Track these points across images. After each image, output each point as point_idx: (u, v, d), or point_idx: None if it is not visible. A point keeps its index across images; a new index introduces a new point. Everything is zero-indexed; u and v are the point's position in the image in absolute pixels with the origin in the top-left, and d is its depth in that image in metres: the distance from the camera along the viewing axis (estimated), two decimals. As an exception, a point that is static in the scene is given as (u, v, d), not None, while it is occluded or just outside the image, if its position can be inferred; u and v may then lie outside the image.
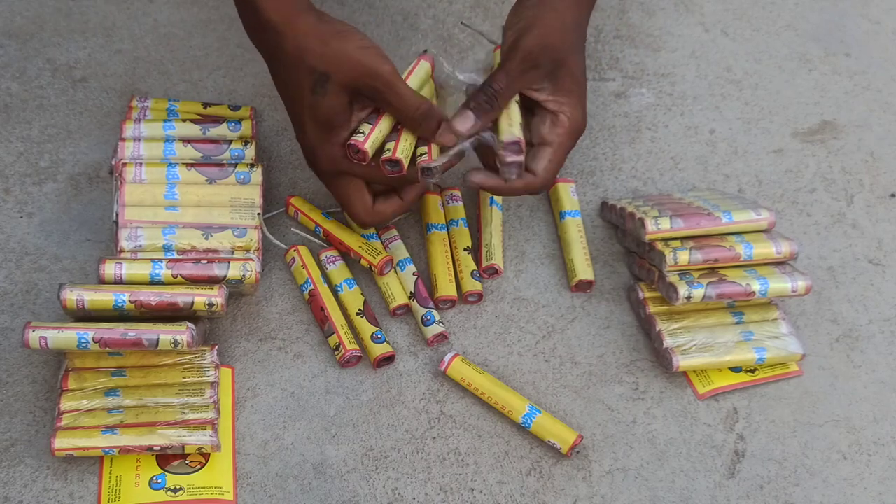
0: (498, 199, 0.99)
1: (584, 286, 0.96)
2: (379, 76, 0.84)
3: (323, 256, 0.94)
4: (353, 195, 0.90)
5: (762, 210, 0.93)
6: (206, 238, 0.91)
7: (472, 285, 0.94)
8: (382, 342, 0.90)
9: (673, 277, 0.91)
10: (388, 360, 0.91)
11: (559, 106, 0.89)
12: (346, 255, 0.94)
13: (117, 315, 0.85)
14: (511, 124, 0.88)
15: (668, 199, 0.98)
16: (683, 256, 0.90)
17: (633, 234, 0.94)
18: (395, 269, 0.94)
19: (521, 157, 0.87)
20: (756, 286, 0.91)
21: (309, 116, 0.86)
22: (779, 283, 0.91)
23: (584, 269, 0.96)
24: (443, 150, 0.88)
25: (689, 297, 0.90)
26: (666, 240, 0.92)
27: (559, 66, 0.89)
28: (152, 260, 0.87)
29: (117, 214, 0.91)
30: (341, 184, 0.89)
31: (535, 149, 0.90)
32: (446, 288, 0.93)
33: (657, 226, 0.91)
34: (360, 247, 0.93)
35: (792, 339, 0.93)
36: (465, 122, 0.87)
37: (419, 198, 0.93)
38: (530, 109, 0.91)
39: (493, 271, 0.96)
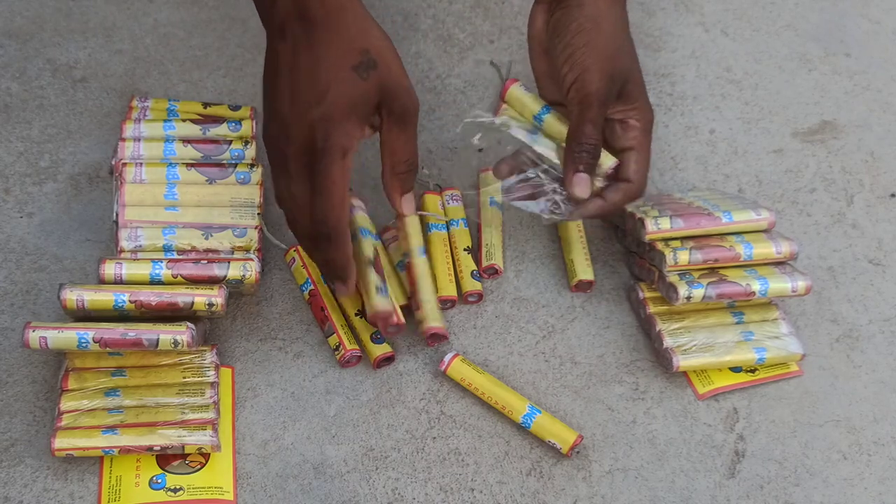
0: (498, 199, 0.98)
1: (584, 286, 0.96)
2: (414, 103, 0.83)
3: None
4: (341, 186, 0.81)
5: (762, 210, 0.93)
6: (206, 238, 0.91)
7: (471, 285, 0.94)
8: (382, 342, 0.90)
9: (673, 277, 0.91)
10: (388, 360, 0.91)
11: (625, 114, 0.89)
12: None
13: (117, 315, 0.85)
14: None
15: (668, 199, 0.98)
16: (683, 256, 0.90)
17: (633, 234, 0.94)
18: (394, 269, 0.94)
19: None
20: (756, 286, 0.91)
21: (336, 86, 0.79)
22: (779, 284, 0.91)
23: (584, 269, 0.96)
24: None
25: (689, 298, 0.90)
26: (666, 240, 0.92)
27: (625, 84, 0.88)
28: (152, 260, 0.87)
29: (117, 214, 0.91)
30: (335, 165, 0.80)
31: (619, 156, 0.90)
32: (446, 288, 0.93)
33: (657, 226, 0.91)
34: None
35: (792, 339, 0.93)
36: (585, 187, 0.87)
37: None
38: None
39: (494, 271, 0.96)
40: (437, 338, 0.91)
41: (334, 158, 0.80)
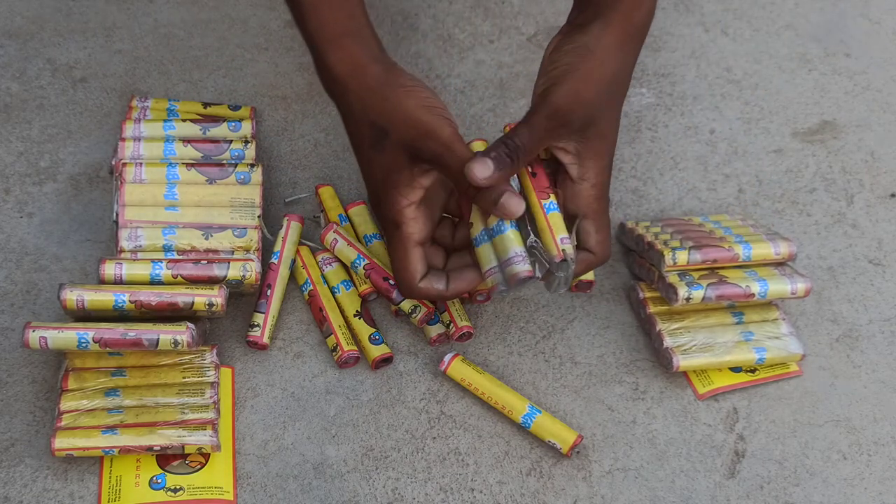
0: None
1: (584, 286, 0.96)
2: (437, 137, 0.80)
3: (319, 258, 0.94)
4: (404, 258, 0.84)
5: (781, 243, 0.93)
6: (206, 238, 0.91)
7: (481, 285, 0.94)
8: (380, 343, 0.90)
9: (672, 278, 0.91)
10: (387, 361, 0.91)
11: (583, 172, 0.83)
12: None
13: (117, 315, 0.85)
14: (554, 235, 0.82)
15: (687, 227, 0.96)
16: (682, 257, 0.90)
17: (648, 261, 0.94)
18: None
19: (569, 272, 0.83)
20: (756, 288, 0.91)
21: (367, 170, 0.85)
22: (778, 285, 0.91)
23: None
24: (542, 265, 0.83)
25: (688, 299, 0.90)
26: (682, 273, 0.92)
27: (589, 124, 0.82)
28: (152, 260, 0.87)
29: (117, 214, 0.91)
30: (395, 238, 0.84)
31: (578, 222, 0.85)
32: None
33: (674, 259, 0.91)
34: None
35: (792, 339, 0.93)
36: (484, 170, 0.79)
37: (466, 291, 0.87)
38: (555, 171, 0.85)
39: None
40: (466, 336, 0.92)
41: (390, 232, 0.85)
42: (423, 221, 0.84)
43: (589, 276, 0.96)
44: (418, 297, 0.86)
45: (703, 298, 0.90)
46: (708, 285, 0.90)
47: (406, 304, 0.91)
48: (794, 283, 0.92)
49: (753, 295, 0.91)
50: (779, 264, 0.93)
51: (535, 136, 0.82)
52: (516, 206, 0.80)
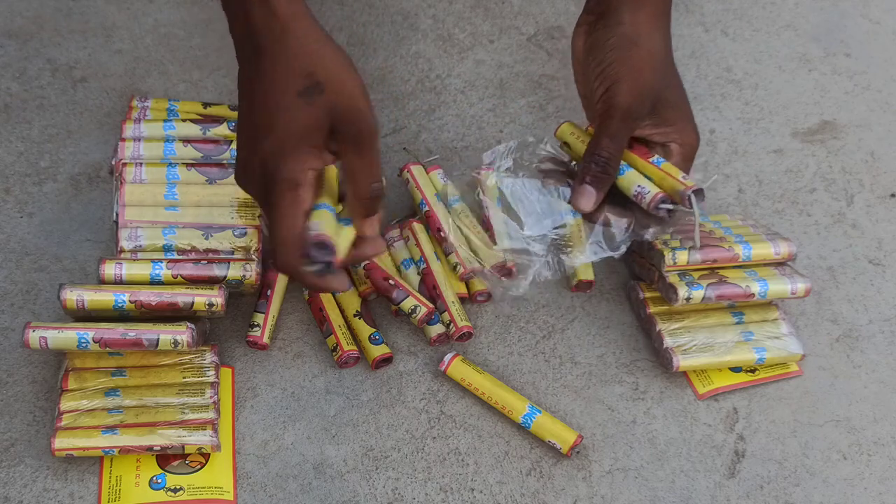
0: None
1: (584, 286, 0.96)
2: (369, 125, 0.76)
3: None
4: (293, 224, 0.76)
5: (781, 243, 0.93)
6: (206, 238, 0.91)
7: (481, 284, 0.94)
8: (380, 343, 0.90)
9: (673, 278, 0.91)
10: (386, 361, 0.91)
11: (666, 136, 0.87)
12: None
13: (117, 315, 0.85)
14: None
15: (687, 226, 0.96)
16: (682, 257, 0.90)
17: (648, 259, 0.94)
18: (399, 268, 0.94)
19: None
20: (756, 288, 0.91)
21: (281, 116, 0.76)
22: (778, 285, 0.91)
23: (584, 269, 0.96)
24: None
25: (688, 299, 0.90)
26: (682, 273, 0.91)
27: (656, 104, 0.86)
28: (152, 260, 0.87)
29: (117, 214, 0.91)
30: (286, 200, 0.76)
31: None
32: (460, 286, 0.94)
33: (674, 259, 0.91)
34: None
35: (792, 340, 0.93)
36: (588, 199, 0.84)
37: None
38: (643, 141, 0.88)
39: (508, 272, 0.96)
40: (466, 336, 0.92)
41: (283, 192, 0.76)
42: (312, 195, 0.78)
43: (589, 276, 0.96)
44: (295, 269, 0.77)
45: (703, 298, 0.90)
46: (708, 285, 0.90)
47: (406, 304, 0.91)
48: (794, 283, 0.92)
49: (753, 295, 0.91)
50: (779, 264, 0.93)
51: (617, 142, 0.85)
52: (584, 203, 0.85)
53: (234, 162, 0.94)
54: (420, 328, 0.92)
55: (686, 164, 0.88)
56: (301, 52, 0.76)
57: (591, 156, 0.85)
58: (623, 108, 0.84)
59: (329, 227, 0.77)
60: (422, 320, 0.91)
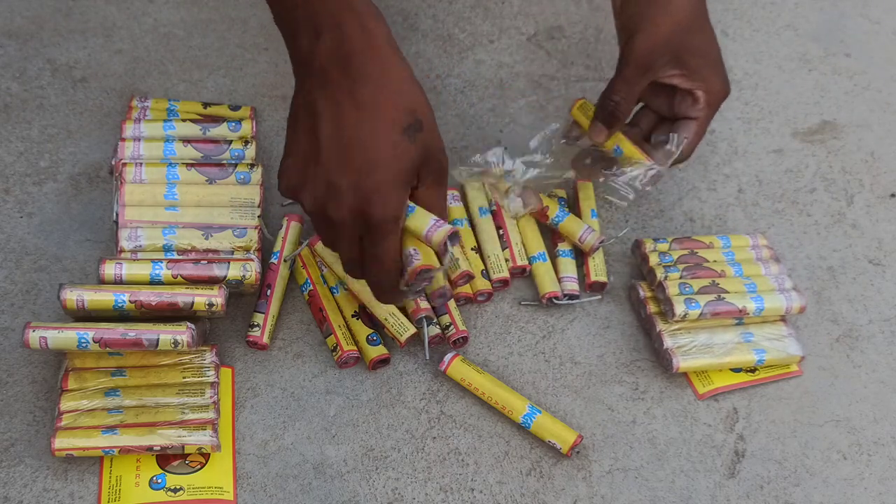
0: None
1: (597, 287, 0.96)
2: (447, 162, 0.80)
3: (318, 259, 0.94)
4: (397, 258, 0.79)
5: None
6: (206, 238, 0.91)
7: (482, 284, 0.94)
8: (377, 344, 0.90)
9: (672, 291, 0.91)
10: (384, 362, 0.91)
11: (692, 83, 0.92)
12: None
13: (117, 315, 0.85)
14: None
15: (695, 259, 0.96)
16: (693, 314, 0.91)
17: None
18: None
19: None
20: (752, 306, 0.91)
21: (385, 152, 0.76)
22: (774, 304, 0.92)
23: (599, 270, 0.96)
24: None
25: (684, 316, 0.90)
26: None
27: (680, 53, 0.91)
28: (152, 260, 0.87)
29: (117, 214, 0.91)
30: (391, 235, 0.78)
31: (678, 123, 0.94)
32: (465, 287, 0.94)
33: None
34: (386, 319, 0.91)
35: (792, 341, 0.93)
36: (600, 134, 0.94)
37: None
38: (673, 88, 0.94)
39: (521, 271, 0.96)
40: (463, 340, 0.92)
41: (388, 229, 0.77)
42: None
43: (602, 277, 0.96)
44: (400, 295, 0.83)
45: (700, 316, 0.91)
46: (706, 303, 0.90)
47: (406, 305, 0.91)
48: (789, 302, 0.92)
49: (749, 314, 0.91)
50: (777, 281, 0.94)
51: (629, 88, 0.91)
52: (596, 136, 0.94)
53: (234, 161, 0.95)
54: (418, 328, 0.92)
55: (711, 112, 0.94)
56: (404, 88, 0.77)
57: (604, 98, 0.92)
58: (637, 56, 0.90)
59: (424, 253, 0.80)
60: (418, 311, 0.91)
